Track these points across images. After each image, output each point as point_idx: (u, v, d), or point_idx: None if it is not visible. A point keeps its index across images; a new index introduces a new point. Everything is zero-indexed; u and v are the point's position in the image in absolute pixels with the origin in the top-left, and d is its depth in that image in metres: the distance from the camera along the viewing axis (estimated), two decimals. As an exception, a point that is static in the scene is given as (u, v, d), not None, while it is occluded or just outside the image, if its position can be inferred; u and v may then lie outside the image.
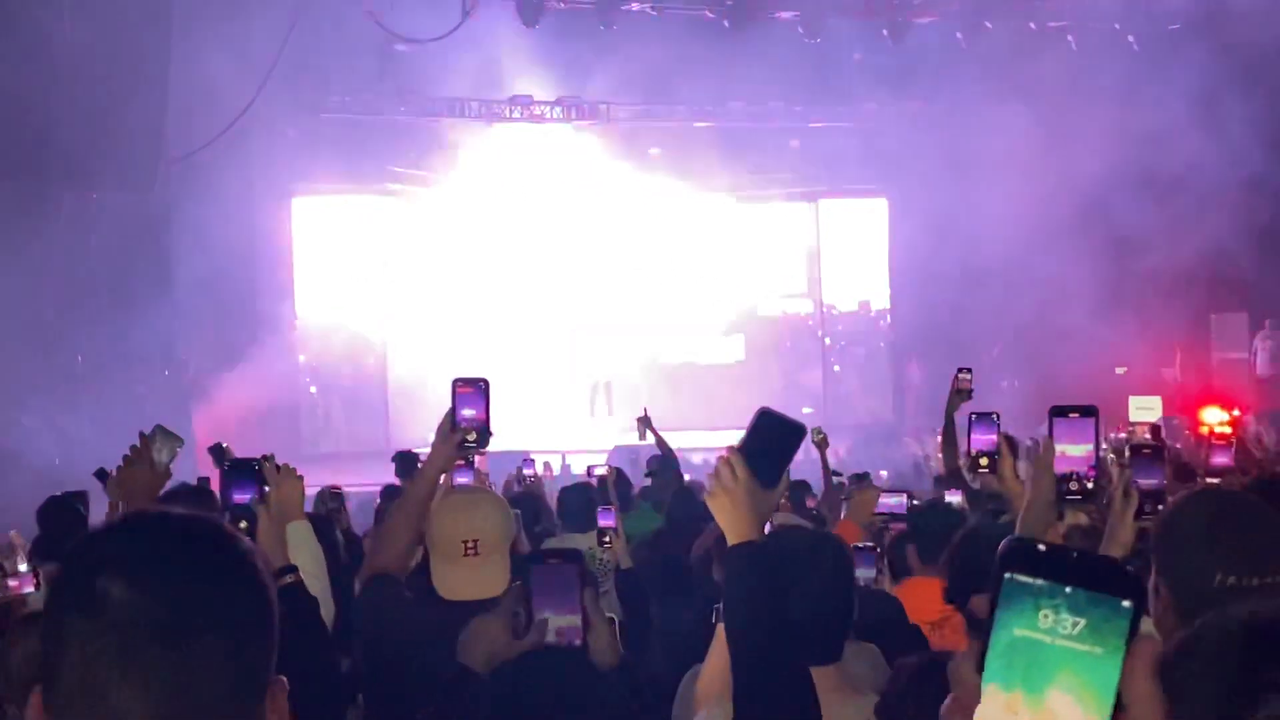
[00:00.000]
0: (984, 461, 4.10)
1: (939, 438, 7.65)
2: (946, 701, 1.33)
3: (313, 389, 22.52)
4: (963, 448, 4.69)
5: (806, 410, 21.34)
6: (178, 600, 1.39)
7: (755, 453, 2.41)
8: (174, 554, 1.43)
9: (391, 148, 22.53)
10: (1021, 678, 1.11)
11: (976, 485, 5.86)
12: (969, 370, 6.88)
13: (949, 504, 6.08)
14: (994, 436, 4.14)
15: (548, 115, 22.83)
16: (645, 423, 9.54)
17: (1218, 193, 18.17)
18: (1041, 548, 1.14)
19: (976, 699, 1.11)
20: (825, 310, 24.75)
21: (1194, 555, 2.32)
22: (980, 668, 1.13)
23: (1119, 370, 20.83)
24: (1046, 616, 1.12)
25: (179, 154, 17.87)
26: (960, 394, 6.85)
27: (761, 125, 23.45)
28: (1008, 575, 1.14)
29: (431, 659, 3.19)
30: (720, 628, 3.17)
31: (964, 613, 3.71)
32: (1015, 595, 1.13)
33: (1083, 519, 4.53)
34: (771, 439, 2.43)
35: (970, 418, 4.22)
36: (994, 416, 4.19)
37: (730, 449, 2.43)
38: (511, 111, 22.67)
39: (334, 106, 21.60)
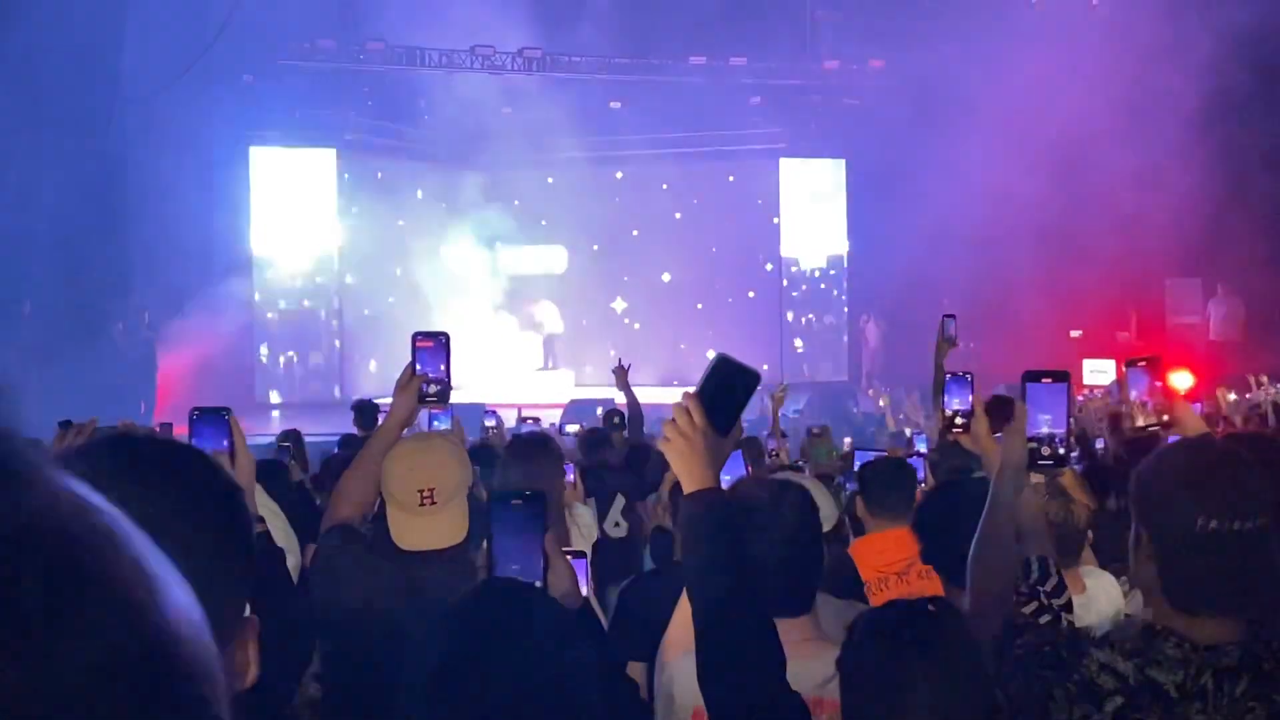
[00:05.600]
0: (959, 422, 4.07)
1: (883, 393, 7.62)
2: None
3: (265, 346, 22.28)
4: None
5: (764, 368, 21.34)
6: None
7: (712, 399, 2.37)
8: (136, 478, 1.31)
9: (350, 97, 22.30)
10: None
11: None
12: (954, 316, 6.79)
13: (900, 457, 6.04)
14: (969, 397, 4.11)
15: (509, 66, 22.61)
16: (621, 376, 9.42)
17: (1173, 157, 18.20)
18: None
19: None
20: (783, 268, 24.71)
21: (1174, 501, 2.28)
22: None
23: (1074, 333, 20.92)
24: None
25: (135, 96, 17.56)
26: (948, 341, 6.75)
27: (723, 81, 23.33)
28: None
29: (388, 609, 3.11)
30: None
31: (939, 571, 3.65)
32: None
33: (1066, 477, 4.51)
34: (728, 385, 2.39)
35: (945, 379, 4.20)
36: (968, 378, 4.17)
37: (687, 394, 2.38)
38: (473, 62, 22.44)
39: (293, 54, 21.31)
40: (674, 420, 2.36)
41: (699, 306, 24.62)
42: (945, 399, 4.07)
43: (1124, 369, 3.04)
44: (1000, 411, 3.32)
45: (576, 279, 24.55)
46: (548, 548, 2.58)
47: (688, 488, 2.35)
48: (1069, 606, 2.63)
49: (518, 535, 2.56)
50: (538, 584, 2.51)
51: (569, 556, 3.07)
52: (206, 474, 1.40)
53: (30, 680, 0.59)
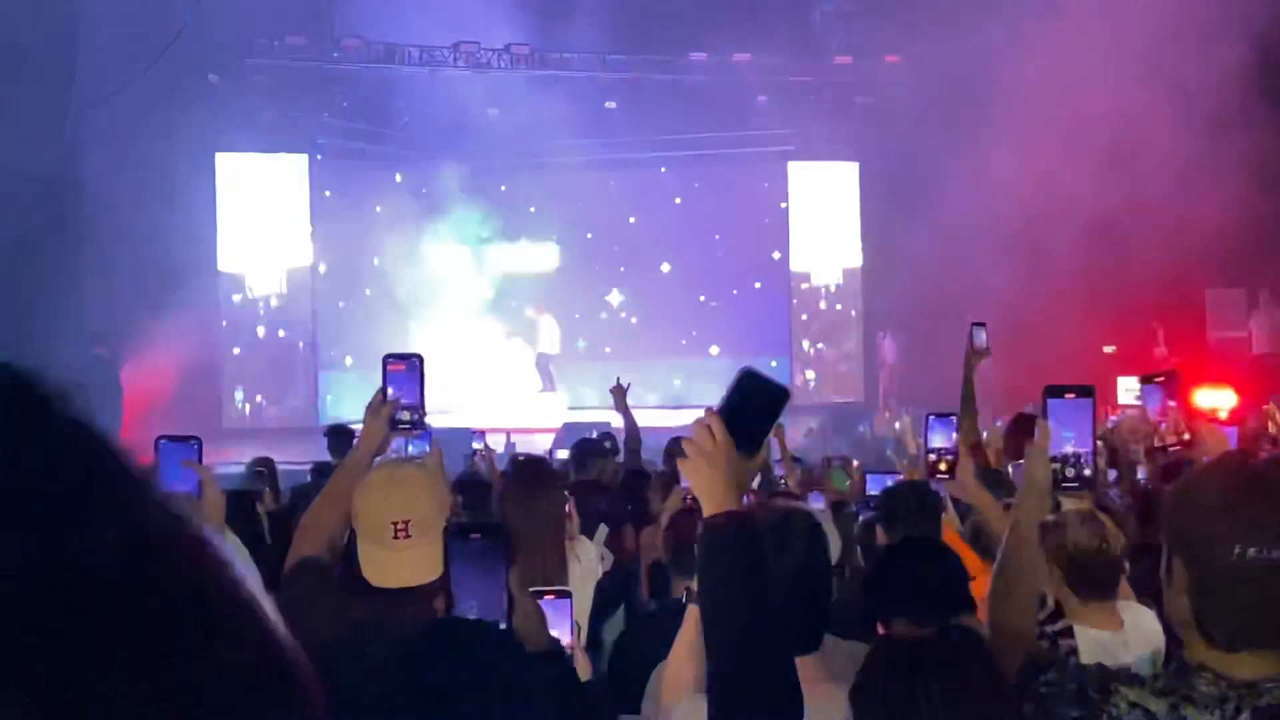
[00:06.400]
0: (943, 466, 4.02)
1: (902, 414, 7.58)
2: None
3: (236, 362, 22.27)
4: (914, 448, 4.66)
5: (772, 365, 21.68)
6: None
7: (736, 416, 2.35)
8: None
9: (323, 98, 22.28)
10: None
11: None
12: (983, 325, 6.59)
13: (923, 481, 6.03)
14: (952, 436, 4.08)
15: (495, 64, 22.63)
16: (620, 396, 9.41)
17: (1214, 161, 18.18)
18: None
19: None
20: (793, 281, 24.72)
21: (1209, 528, 2.26)
22: None
23: (1107, 349, 20.87)
24: None
25: (92, 99, 17.56)
26: (978, 353, 6.52)
27: (726, 79, 23.35)
28: None
29: (360, 651, 3.10)
30: (691, 609, 3.07)
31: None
32: None
33: (1085, 504, 4.49)
34: (754, 402, 2.37)
35: (926, 418, 4.16)
36: (952, 417, 4.14)
37: (709, 410, 2.36)
38: (455, 59, 22.46)
39: (261, 51, 21.31)
40: (694, 438, 2.35)
41: (701, 299, 24.65)
42: (927, 438, 4.03)
43: (1140, 386, 3.05)
44: (1028, 431, 3.31)
45: (568, 271, 24.55)
46: (512, 585, 2.56)
47: (707, 510, 2.34)
48: (1067, 632, 2.64)
49: (477, 571, 2.55)
50: (501, 625, 2.48)
51: (553, 596, 3.05)
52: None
53: (182, 687, 0.70)
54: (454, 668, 1.92)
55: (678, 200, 24.69)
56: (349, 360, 22.40)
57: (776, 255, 24.81)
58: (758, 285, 24.82)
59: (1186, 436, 3.17)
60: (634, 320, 24.70)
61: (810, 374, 24.54)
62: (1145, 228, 19.00)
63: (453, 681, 1.90)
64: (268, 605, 0.78)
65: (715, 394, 2.41)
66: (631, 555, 6.56)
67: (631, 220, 24.38)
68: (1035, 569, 2.80)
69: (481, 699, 1.90)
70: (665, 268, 24.67)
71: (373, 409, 3.59)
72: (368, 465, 3.58)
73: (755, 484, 6.28)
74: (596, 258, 24.53)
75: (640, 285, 24.60)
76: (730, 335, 23.68)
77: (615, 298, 24.94)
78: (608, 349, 23.79)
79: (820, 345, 24.75)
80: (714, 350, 23.92)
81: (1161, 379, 3.14)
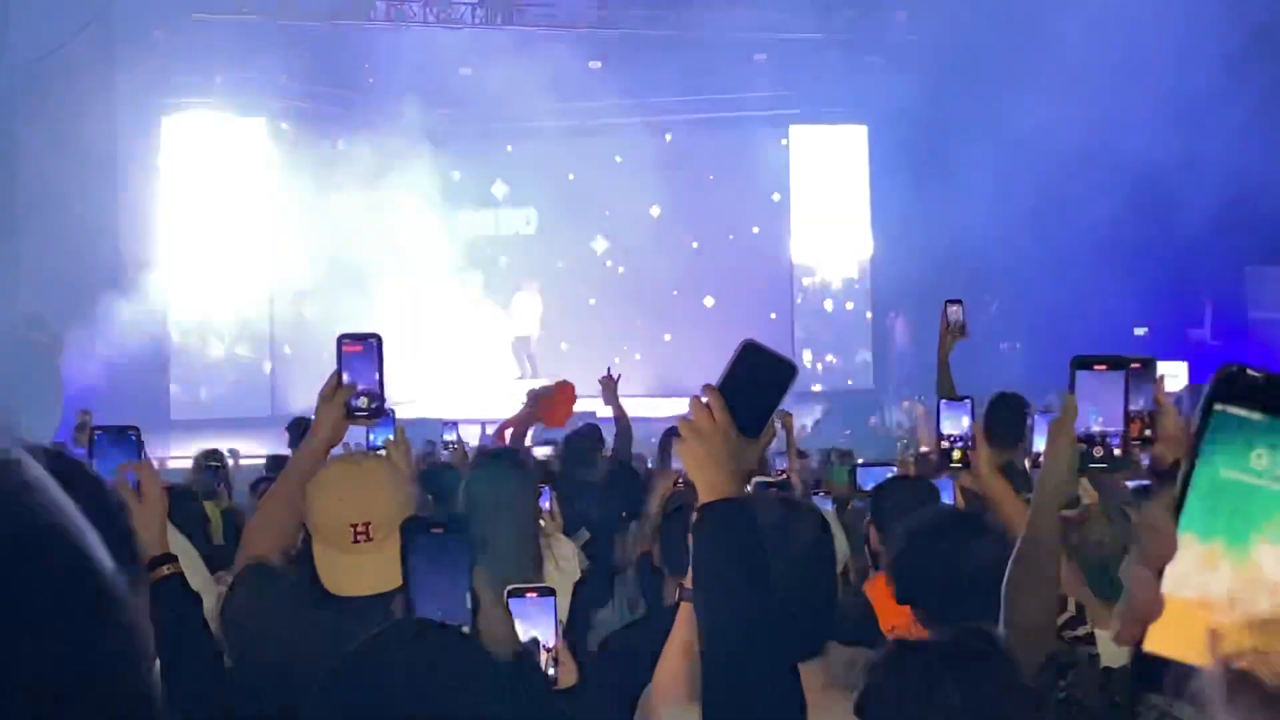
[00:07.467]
0: (957, 455, 4.00)
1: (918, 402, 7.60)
2: (1131, 555, 1.30)
3: (184, 347, 22.23)
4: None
5: (772, 316, 21.80)
6: None
7: (737, 394, 2.32)
8: None
9: (281, 56, 22.17)
10: (1224, 525, 1.13)
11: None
12: (959, 302, 6.73)
13: (919, 474, 6.02)
14: (964, 421, 4.06)
15: (468, 18, 22.54)
16: (610, 387, 9.40)
17: (1252, 127, 18.17)
18: (1260, 376, 1.16)
19: (1172, 550, 1.13)
20: (795, 256, 24.69)
21: None
22: (1176, 515, 1.15)
23: (1138, 331, 20.89)
24: (1260, 457, 1.13)
25: (25, 57, 17.49)
26: (953, 332, 6.67)
27: (722, 36, 23.29)
28: (1219, 407, 1.15)
29: (313, 665, 3.08)
30: (685, 608, 3.04)
31: (916, 613, 3.61)
32: (1225, 430, 1.15)
33: (1093, 497, 4.47)
34: (757, 378, 2.34)
35: (938, 403, 4.15)
36: (967, 401, 4.14)
37: (708, 387, 2.33)
38: (425, 14, 22.38)
39: (209, 5, 21.20)
40: (691, 416, 2.32)
41: (694, 245, 24.62)
42: (939, 424, 4.02)
43: (1127, 373, 3.00)
44: (1011, 413, 3.28)
45: (548, 218, 24.48)
46: (478, 586, 2.55)
47: (704, 497, 2.32)
48: (1088, 639, 2.61)
49: (439, 570, 2.53)
50: (464, 629, 2.46)
51: (535, 594, 3.03)
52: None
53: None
54: (409, 675, 1.90)
55: (668, 137, 24.57)
56: (305, 312, 22.13)
57: (776, 197, 24.74)
58: (755, 230, 24.75)
59: (1148, 433, 3.10)
60: (621, 270, 24.61)
61: (808, 355, 24.51)
62: (1183, 201, 18.96)
63: (406, 691, 1.88)
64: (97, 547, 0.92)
65: (706, 348, 2.39)
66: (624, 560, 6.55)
67: (617, 159, 24.18)
68: (1056, 561, 2.79)
69: (440, 710, 1.89)
70: (654, 211, 24.54)
71: (326, 395, 3.54)
72: (322, 458, 3.53)
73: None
74: (579, 202, 24.27)
75: (627, 231, 24.40)
76: (726, 284, 23.69)
77: (600, 244, 24.84)
78: (592, 300, 23.78)
79: (822, 326, 24.70)
80: (709, 301, 23.90)
81: (1139, 364, 3.08)
